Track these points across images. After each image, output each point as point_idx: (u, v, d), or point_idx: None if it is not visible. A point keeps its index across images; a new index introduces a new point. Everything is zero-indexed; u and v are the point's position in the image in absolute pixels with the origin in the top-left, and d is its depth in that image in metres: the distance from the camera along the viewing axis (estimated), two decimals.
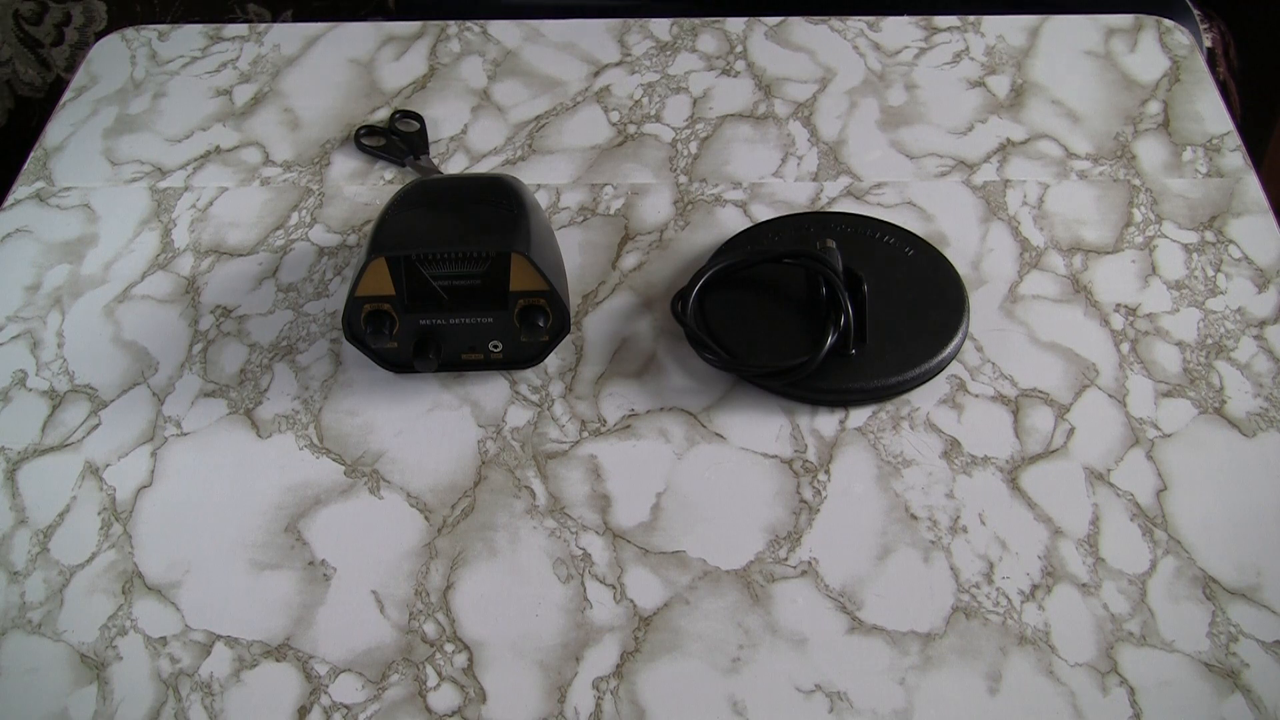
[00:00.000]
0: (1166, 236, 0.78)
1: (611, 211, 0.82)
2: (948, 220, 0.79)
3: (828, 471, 0.66)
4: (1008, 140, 0.85)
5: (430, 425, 0.70)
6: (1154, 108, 0.86)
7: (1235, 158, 0.82)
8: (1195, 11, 0.99)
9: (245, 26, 0.98)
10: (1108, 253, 0.77)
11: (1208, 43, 0.99)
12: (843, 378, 0.69)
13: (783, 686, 0.58)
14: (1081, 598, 0.61)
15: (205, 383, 0.72)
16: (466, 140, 0.87)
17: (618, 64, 0.88)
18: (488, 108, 0.90)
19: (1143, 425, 0.68)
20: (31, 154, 0.88)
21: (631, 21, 0.95)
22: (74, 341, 0.75)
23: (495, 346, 0.71)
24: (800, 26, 0.94)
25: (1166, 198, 0.80)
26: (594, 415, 0.70)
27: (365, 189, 0.84)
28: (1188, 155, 0.83)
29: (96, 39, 1.01)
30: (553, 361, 0.73)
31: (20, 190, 0.85)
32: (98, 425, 0.71)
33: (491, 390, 0.71)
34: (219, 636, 0.61)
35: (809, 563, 0.63)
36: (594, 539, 0.64)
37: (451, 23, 0.96)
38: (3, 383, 0.73)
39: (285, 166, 0.86)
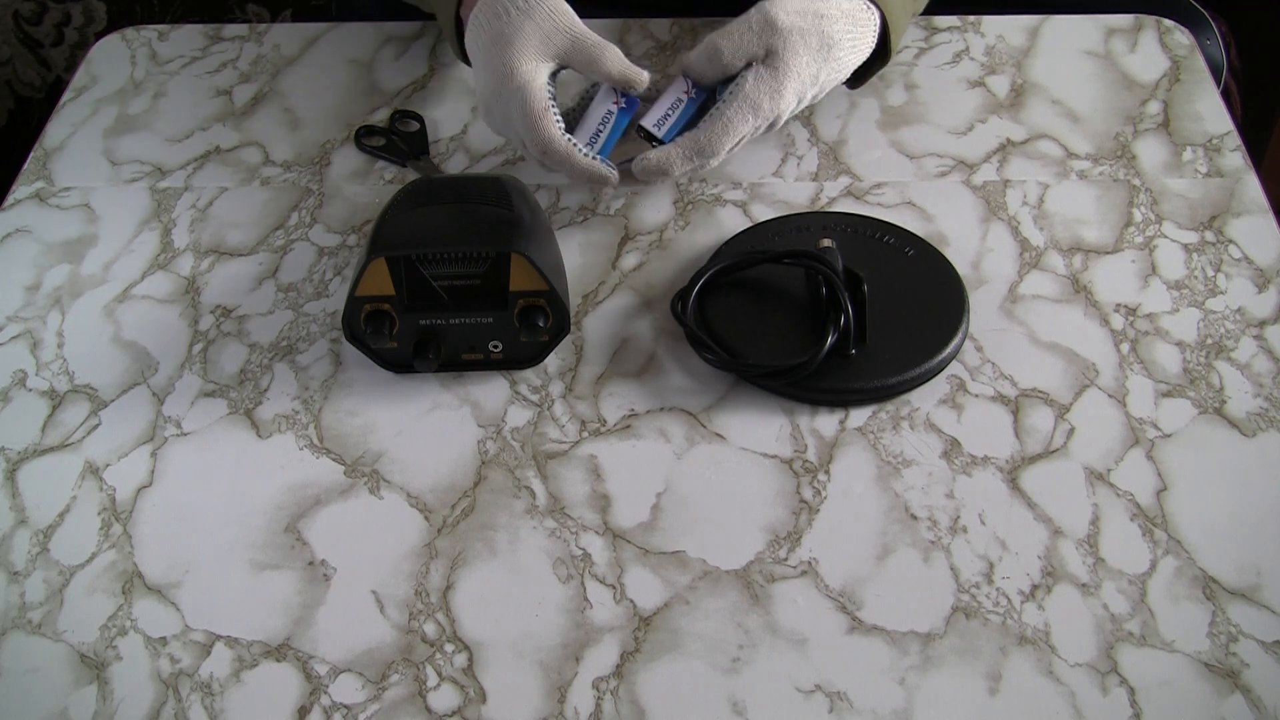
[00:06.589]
0: (1166, 236, 0.78)
1: (611, 211, 0.81)
2: (948, 220, 0.79)
3: (828, 471, 0.66)
4: (1008, 140, 0.85)
5: (430, 425, 0.70)
6: (1154, 108, 0.86)
7: (1235, 158, 0.82)
8: (1209, 17, 0.99)
9: (245, 26, 0.98)
10: (1108, 253, 0.77)
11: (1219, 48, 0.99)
12: (843, 378, 0.69)
13: (783, 686, 0.58)
14: (1081, 598, 0.61)
15: (205, 383, 0.72)
16: (466, 140, 0.87)
17: None
18: None
19: (1143, 425, 0.68)
20: (31, 154, 0.88)
21: (631, 21, 0.95)
22: (74, 341, 0.75)
23: (495, 346, 0.71)
24: None
25: (1166, 198, 0.80)
26: (594, 415, 0.70)
27: (365, 189, 0.84)
28: (1188, 155, 0.83)
29: (96, 39, 1.01)
30: (553, 361, 0.73)
31: (20, 190, 0.85)
32: (98, 425, 0.71)
33: (491, 390, 0.71)
34: (219, 636, 0.61)
35: (809, 563, 0.63)
36: (594, 539, 0.64)
37: None
38: (3, 383, 0.73)
39: (285, 166, 0.86)
